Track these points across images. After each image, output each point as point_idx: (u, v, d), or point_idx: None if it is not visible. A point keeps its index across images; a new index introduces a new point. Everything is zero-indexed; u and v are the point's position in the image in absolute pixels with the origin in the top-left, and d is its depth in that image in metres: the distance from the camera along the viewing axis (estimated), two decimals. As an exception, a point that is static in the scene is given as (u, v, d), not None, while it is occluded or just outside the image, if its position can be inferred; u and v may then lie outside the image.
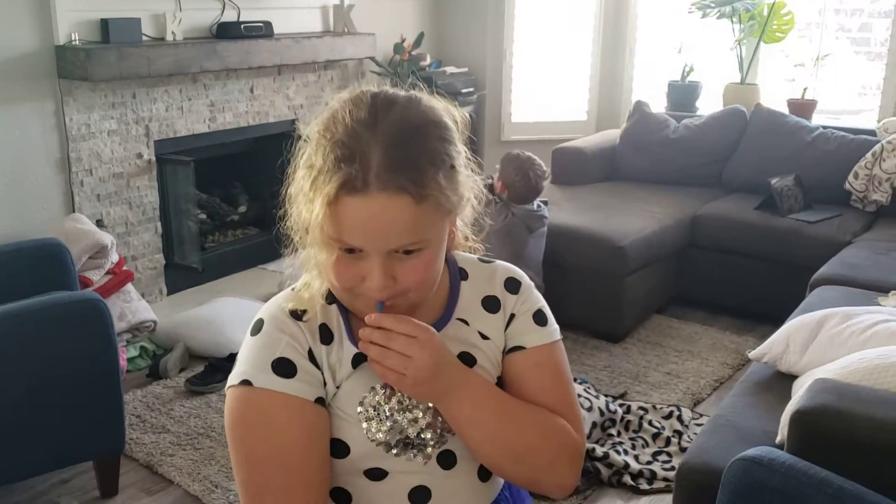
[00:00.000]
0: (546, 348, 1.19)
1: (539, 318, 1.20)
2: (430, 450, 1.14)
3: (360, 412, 1.11)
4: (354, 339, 1.11)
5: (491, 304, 1.20)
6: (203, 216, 4.50)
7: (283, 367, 1.07)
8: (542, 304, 1.23)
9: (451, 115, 1.09)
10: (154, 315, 3.59)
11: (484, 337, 1.18)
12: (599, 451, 2.75)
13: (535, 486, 1.21)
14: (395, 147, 0.98)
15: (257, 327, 1.12)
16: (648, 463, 2.78)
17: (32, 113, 3.53)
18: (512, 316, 1.19)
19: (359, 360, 1.11)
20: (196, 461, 2.77)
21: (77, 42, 3.56)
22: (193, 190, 4.22)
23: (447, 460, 1.16)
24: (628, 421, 3.00)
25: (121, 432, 2.54)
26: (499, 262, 1.25)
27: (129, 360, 3.42)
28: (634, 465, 2.73)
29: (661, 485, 2.68)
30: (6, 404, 2.30)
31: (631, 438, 2.91)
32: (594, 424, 2.90)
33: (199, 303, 3.94)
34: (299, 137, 1.07)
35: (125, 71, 3.59)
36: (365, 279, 1.04)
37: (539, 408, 1.16)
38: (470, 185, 1.09)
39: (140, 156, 3.93)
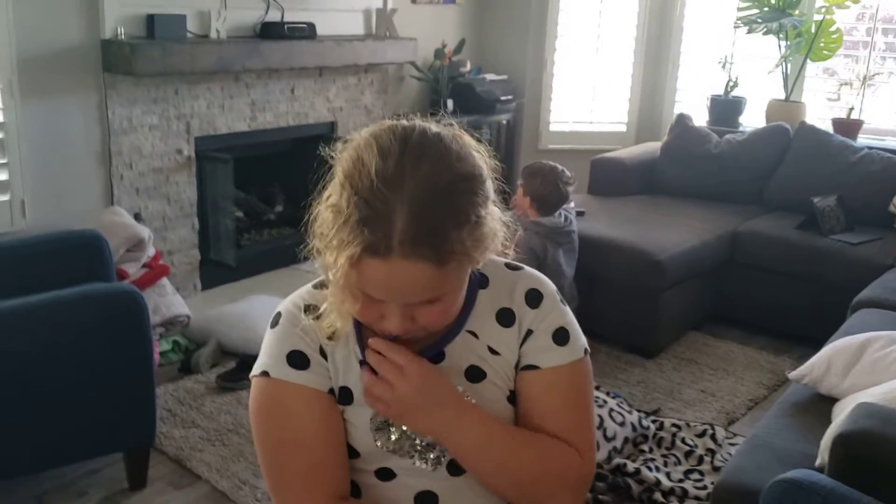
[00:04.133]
0: (563, 370, 1.15)
1: (560, 336, 1.16)
2: (438, 456, 1.15)
3: (371, 421, 1.14)
4: (362, 344, 1.14)
5: (506, 317, 1.17)
6: (240, 214, 4.53)
7: (297, 360, 1.12)
8: (567, 320, 1.17)
9: (483, 157, 1.06)
10: (188, 310, 3.60)
11: (493, 352, 1.16)
12: (631, 466, 2.71)
13: None
14: (419, 213, 0.96)
15: (275, 320, 1.17)
16: (680, 481, 2.73)
17: (76, 105, 3.56)
18: (529, 332, 1.16)
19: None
20: (225, 457, 2.77)
21: (123, 36, 3.59)
22: (231, 188, 4.24)
23: (455, 467, 1.15)
24: (661, 437, 2.95)
25: (152, 425, 2.55)
26: (527, 269, 1.21)
27: (162, 353, 3.43)
28: (666, 483, 2.68)
29: (693, 503, 2.64)
30: (41, 391, 2.31)
31: (663, 455, 2.87)
32: (626, 440, 2.86)
33: (233, 299, 3.95)
34: (325, 162, 1.05)
35: (169, 67, 3.61)
36: (384, 318, 1.05)
37: (541, 436, 1.14)
38: (497, 223, 1.07)
39: (180, 152, 3.96)
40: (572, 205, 3.66)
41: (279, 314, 1.17)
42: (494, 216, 1.06)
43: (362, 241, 0.96)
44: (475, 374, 1.15)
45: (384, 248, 0.96)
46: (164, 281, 3.59)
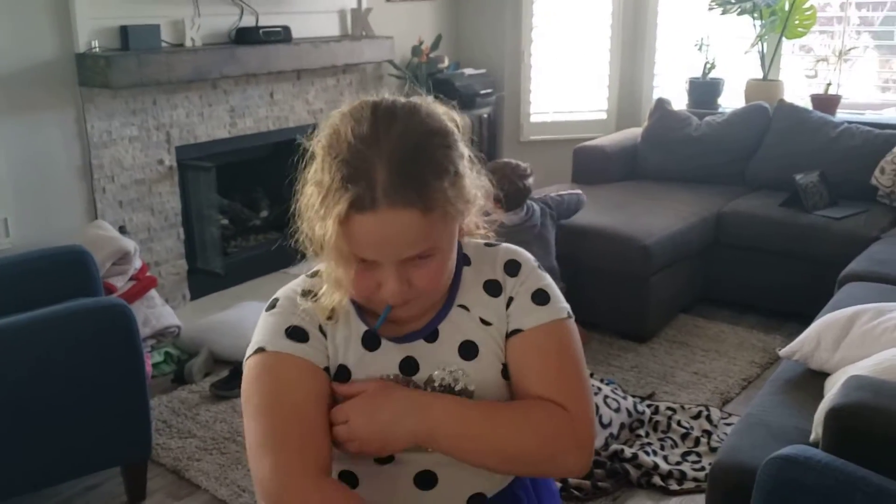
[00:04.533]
0: (545, 328, 1.16)
1: (538, 297, 1.17)
2: None
3: None
4: (366, 320, 1.16)
5: (492, 287, 1.19)
6: (225, 221, 4.51)
7: (296, 334, 1.13)
8: (545, 283, 1.19)
9: (452, 119, 1.10)
10: (178, 320, 3.59)
11: (486, 322, 1.17)
12: (628, 452, 2.72)
13: (545, 476, 1.26)
14: (399, 163, 1.01)
15: (272, 304, 1.17)
16: (678, 463, 2.74)
17: (54, 121, 3.54)
18: (510, 299, 1.18)
19: (369, 340, 1.15)
20: (223, 465, 2.76)
21: (97, 49, 3.57)
22: (215, 195, 4.23)
23: None
24: (657, 421, 2.97)
25: (147, 438, 2.54)
26: (503, 245, 1.24)
27: (154, 365, 3.42)
28: (664, 466, 2.70)
29: (691, 485, 2.65)
30: (33, 411, 2.30)
31: (660, 439, 2.88)
32: (622, 425, 2.87)
33: (223, 308, 3.94)
34: (304, 151, 1.09)
35: (145, 77, 3.60)
36: (381, 286, 1.07)
37: (522, 404, 1.14)
38: (477, 184, 1.11)
39: (161, 162, 3.94)
40: (554, 189, 3.66)
41: (276, 299, 1.18)
42: (472, 175, 1.10)
43: (348, 198, 1.00)
44: (469, 350, 1.16)
45: (369, 200, 1.00)
46: (153, 293, 3.57)
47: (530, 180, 3.52)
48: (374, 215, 1.00)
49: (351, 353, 1.15)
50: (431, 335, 1.16)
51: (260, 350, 1.13)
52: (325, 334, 1.15)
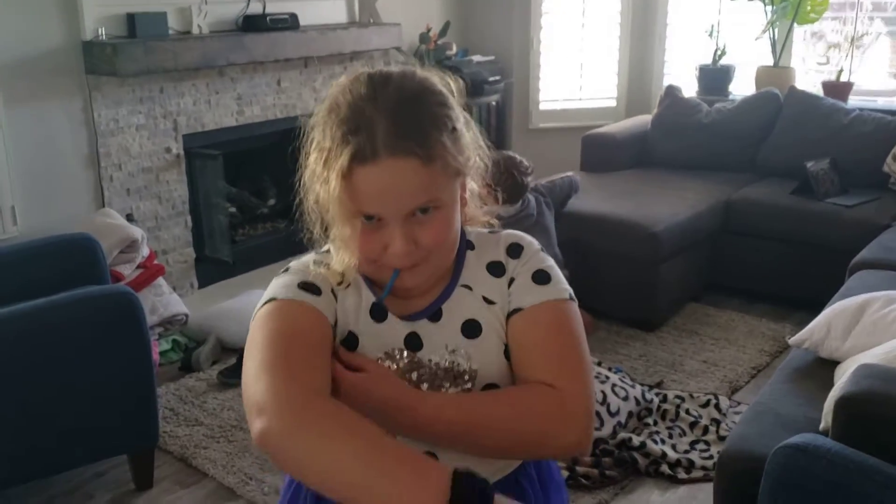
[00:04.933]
0: (544, 307, 1.15)
1: (539, 277, 1.17)
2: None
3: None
4: (374, 292, 1.16)
5: (496, 268, 1.19)
6: (233, 209, 4.51)
7: (310, 288, 1.13)
8: (547, 264, 1.19)
9: (446, 83, 1.12)
10: (185, 308, 3.59)
11: (489, 301, 1.17)
12: (636, 440, 2.71)
13: (542, 458, 1.23)
14: (397, 114, 1.03)
15: (284, 270, 1.18)
16: (686, 452, 2.73)
17: (61, 109, 3.54)
18: (512, 279, 1.18)
19: (377, 312, 1.15)
20: (230, 453, 2.77)
21: (104, 37, 3.57)
22: (222, 183, 4.22)
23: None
24: (665, 410, 2.95)
25: (155, 425, 2.54)
26: (506, 230, 1.24)
27: (162, 353, 3.43)
28: (672, 455, 2.68)
29: (700, 474, 2.63)
30: (41, 398, 2.31)
31: (668, 428, 2.86)
32: (630, 414, 2.86)
33: (230, 295, 3.94)
34: (304, 130, 1.11)
35: (152, 65, 3.59)
36: (388, 247, 1.07)
37: (515, 392, 1.12)
38: (474, 146, 1.13)
39: (169, 150, 3.94)
40: (550, 179, 3.66)
41: (289, 267, 1.19)
42: (470, 135, 1.12)
43: (350, 150, 1.02)
44: (472, 329, 1.16)
45: (370, 151, 1.01)
46: (160, 280, 3.57)
47: (530, 178, 3.51)
48: (376, 166, 1.02)
49: (361, 321, 1.15)
50: (435, 315, 1.16)
51: (271, 300, 1.12)
52: (335, 297, 1.15)
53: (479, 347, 1.15)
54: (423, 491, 0.90)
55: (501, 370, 1.16)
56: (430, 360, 1.15)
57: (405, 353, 1.15)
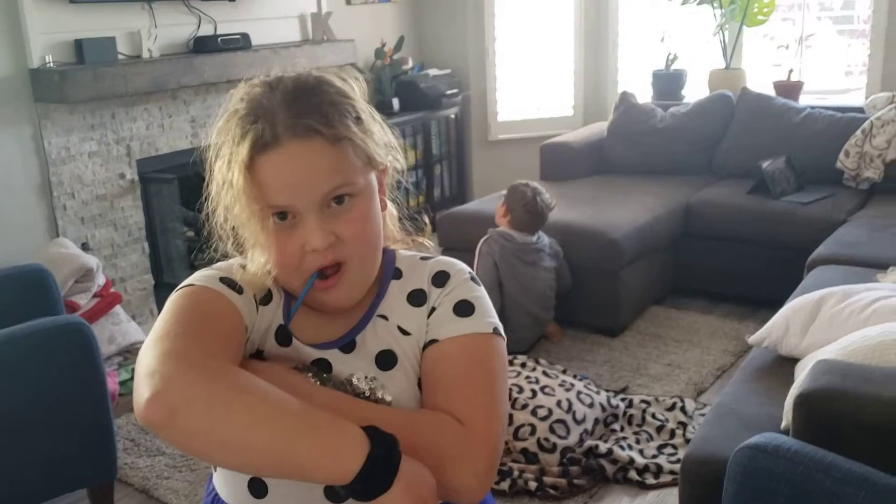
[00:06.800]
0: (461, 340, 1.06)
1: (461, 308, 1.08)
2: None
3: None
4: (286, 313, 1.09)
5: (417, 297, 1.11)
6: (191, 233, 4.45)
7: (232, 285, 1.05)
8: (473, 295, 1.10)
9: (345, 81, 1.08)
10: (145, 336, 3.53)
11: (404, 332, 1.09)
12: (603, 447, 2.70)
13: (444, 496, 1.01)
14: (297, 99, 1.00)
15: (183, 285, 1.05)
16: (654, 457, 2.73)
17: (10, 138, 3.48)
18: (433, 309, 1.09)
19: (281, 335, 1.08)
20: (192, 482, 2.71)
21: (51, 64, 3.51)
22: (179, 207, 4.17)
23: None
24: (631, 415, 2.95)
25: (112, 458, 2.48)
26: (440, 257, 1.16)
27: (121, 383, 3.35)
28: (640, 460, 2.68)
29: (668, 478, 2.63)
30: (-7, 435, 2.25)
31: (634, 433, 2.86)
32: (596, 421, 2.85)
33: (191, 321, 3.87)
34: (205, 154, 1.07)
35: (102, 91, 3.54)
36: (306, 245, 1.01)
37: (412, 417, 1.02)
38: (384, 142, 1.08)
39: (123, 176, 3.88)
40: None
41: (190, 283, 1.06)
42: (381, 128, 1.08)
43: (249, 139, 0.98)
44: (387, 360, 1.08)
45: (271, 136, 0.98)
46: (118, 309, 3.51)
47: (551, 212, 3.56)
48: (279, 152, 0.98)
49: (268, 342, 1.08)
50: (347, 346, 1.09)
51: (188, 286, 1.04)
52: (256, 308, 1.07)
53: (393, 379, 1.07)
54: (343, 448, 0.88)
55: (417, 402, 1.08)
56: (345, 381, 1.07)
57: (314, 372, 1.06)
